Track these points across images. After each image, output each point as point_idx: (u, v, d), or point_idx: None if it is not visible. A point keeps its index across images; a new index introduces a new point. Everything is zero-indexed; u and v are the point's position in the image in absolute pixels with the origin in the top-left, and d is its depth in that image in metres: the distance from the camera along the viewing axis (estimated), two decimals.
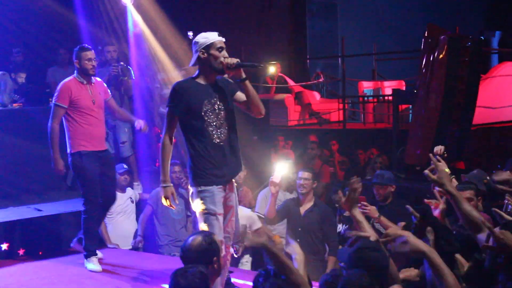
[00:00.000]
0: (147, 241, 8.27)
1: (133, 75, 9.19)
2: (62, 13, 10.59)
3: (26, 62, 10.28)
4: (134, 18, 10.71)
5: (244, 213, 7.34)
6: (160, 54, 10.51)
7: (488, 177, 5.66)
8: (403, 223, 4.10)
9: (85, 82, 6.43)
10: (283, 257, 3.56)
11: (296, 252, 3.92)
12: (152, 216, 8.27)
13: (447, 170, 5.52)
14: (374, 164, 9.22)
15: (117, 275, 6.40)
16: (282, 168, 6.56)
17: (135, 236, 8.15)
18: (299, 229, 6.93)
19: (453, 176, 5.63)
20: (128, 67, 9.18)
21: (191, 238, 3.90)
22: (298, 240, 6.66)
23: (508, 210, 4.39)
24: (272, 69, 14.82)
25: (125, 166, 8.45)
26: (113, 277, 6.31)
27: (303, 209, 7.01)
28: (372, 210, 5.94)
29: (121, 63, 9.05)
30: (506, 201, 4.49)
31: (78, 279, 6.34)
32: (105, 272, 6.45)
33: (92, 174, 6.40)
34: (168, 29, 10.78)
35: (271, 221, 7.08)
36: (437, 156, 5.66)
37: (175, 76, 10.23)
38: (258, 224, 7.42)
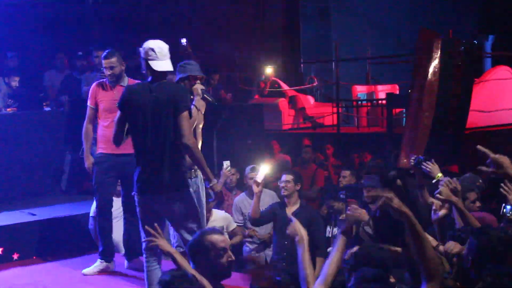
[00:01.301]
0: None
1: None
2: (59, 18, 10.62)
3: (21, 66, 10.27)
4: None
5: (219, 215, 7.43)
6: None
7: (480, 180, 5.69)
8: None
9: (110, 86, 6.45)
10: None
11: (298, 234, 3.92)
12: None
13: (439, 174, 5.58)
14: (368, 168, 9.22)
15: (113, 279, 6.40)
16: (264, 169, 6.62)
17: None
18: (287, 231, 6.91)
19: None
20: None
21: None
22: (286, 242, 6.73)
23: (505, 211, 4.43)
24: (269, 70, 14.86)
25: None
26: (109, 282, 6.31)
27: (289, 211, 7.01)
28: (362, 213, 5.95)
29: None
30: (504, 204, 4.52)
31: (72, 283, 6.35)
32: (101, 276, 6.45)
33: (98, 177, 6.42)
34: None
35: (255, 221, 7.09)
36: (427, 162, 5.74)
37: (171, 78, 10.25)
38: (233, 225, 7.51)
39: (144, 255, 5.34)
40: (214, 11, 15.03)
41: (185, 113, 5.02)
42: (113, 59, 6.38)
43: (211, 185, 5.38)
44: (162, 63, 5.10)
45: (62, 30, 10.69)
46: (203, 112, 5.84)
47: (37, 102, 9.37)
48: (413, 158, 5.93)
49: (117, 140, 5.22)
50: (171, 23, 10.96)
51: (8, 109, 8.80)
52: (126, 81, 6.42)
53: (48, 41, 10.39)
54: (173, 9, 13.03)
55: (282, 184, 7.06)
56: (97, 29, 11.70)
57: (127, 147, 5.64)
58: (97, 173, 6.44)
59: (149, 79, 5.14)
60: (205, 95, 5.78)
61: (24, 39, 10.51)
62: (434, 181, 5.51)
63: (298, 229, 3.93)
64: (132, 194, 5.25)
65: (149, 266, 5.32)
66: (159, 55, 5.09)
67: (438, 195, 4.83)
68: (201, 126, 5.88)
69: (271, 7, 16.74)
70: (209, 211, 6.94)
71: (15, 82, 9.69)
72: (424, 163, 5.76)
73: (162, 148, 5.05)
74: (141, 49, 5.21)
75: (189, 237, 4.86)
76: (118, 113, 5.17)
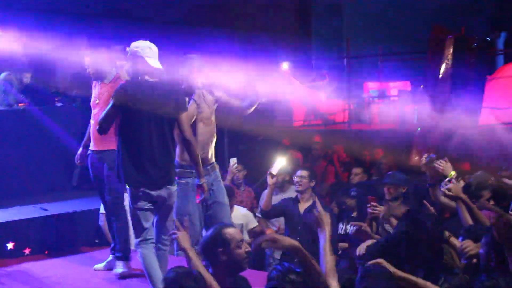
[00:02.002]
0: None
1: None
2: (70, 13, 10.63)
3: (32, 62, 10.29)
4: None
5: (240, 212, 7.43)
6: None
7: (492, 178, 5.67)
8: None
9: (97, 81, 6.38)
10: (309, 257, 3.59)
11: (321, 223, 3.93)
12: None
13: (452, 172, 5.56)
14: (380, 165, 9.21)
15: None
16: (280, 161, 6.62)
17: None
18: (299, 227, 6.92)
19: (461, 178, 5.66)
20: None
21: (208, 231, 4.14)
22: (298, 238, 6.70)
23: None
24: (285, 66, 14.85)
25: None
26: (118, 275, 6.32)
27: (302, 208, 7.02)
28: (382, 210, 5.95)
29: None
30: None
31: (84, 277, 6.36)
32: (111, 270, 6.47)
33: (92, 174, 6.42)
34: None
35: (265, 213, 7.10)
36: (440, 160, 5.71)
37: None
38: (254, 223, 7.49)
39: (138, 245, 5.38)
40: (226, 7, 15.01)
41: (185, 114, 5.34)
42: (87, 58, 6.36)
43: (200, 183, 5.46)
44: (157, 61, 5.30)
45: (73, 24, 10.68)
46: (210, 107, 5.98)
47: (49, 98, 9.39)
48: (425, 156, 5.91)
49: (104, 131, 5.33)
50: (179, 22, 10.94)
51: (19, 105, 8.83)
52: (111, 78, 6.27)
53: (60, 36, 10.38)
54: (183, 8, 13.00)
55: (297, 179, 7.08)
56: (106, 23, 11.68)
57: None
58: (91, 170, 6.41)
59: (140, 76, 5.28)
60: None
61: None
62: (447, 179, 5.49)
63: (322, 218, 3.91)
64: (123, 184, 5.41)
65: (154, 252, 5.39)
66: (154, 54, 5.30)
67: (447, 192, 4.82)
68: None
69: (283, 3, 16.70)
70: (231, 207, 6.91)
71: (27, 78, 9.71)
72: (437, 162, 5.73)
73: (163, 143, 5.27)
74: (134, 47, 5.31)
75: (165, 233, 5.36)
76: (111, 105, 5.22)
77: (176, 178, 5.66)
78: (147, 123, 5.20)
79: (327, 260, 3.69)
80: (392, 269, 3.43)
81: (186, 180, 5.90)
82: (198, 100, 5.87)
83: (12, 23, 9.15)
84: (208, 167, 5.98)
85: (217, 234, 3.96)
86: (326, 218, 3.90)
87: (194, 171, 5.61)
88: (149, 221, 5.36)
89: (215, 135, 6.12)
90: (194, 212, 5.97)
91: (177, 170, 5.76)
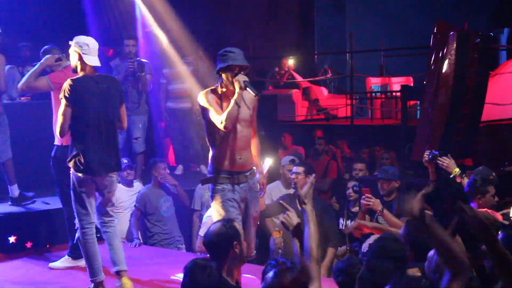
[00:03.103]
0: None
1: (150, 69, 9.18)
2: (71, 7, 10.60)
3: (34, 56, 10.28)
4: (142, 12, 10.71)
5: None
6: (167, 48, 10.48)
7: (494, 174, 5.64)
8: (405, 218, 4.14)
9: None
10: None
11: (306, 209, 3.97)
12: (142, 218, 8.27)
13: (456, 169, 5.53)
14: (382, 160, 9.21)
15: (134, 265, 6.42)
16: (268, 162, 6.59)
17: (131, 240, 8.05)
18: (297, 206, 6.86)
19: (464, 174, 5.64)
20: (145, 61, 9.13)
21: (212, 225, 4.09)
22: None
23: None
24: (291, 61, 14.85)
25: (125, 161, 8.24)
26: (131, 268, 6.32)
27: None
28: (376, 203, 5.95)
29: (138, 58, 9.01)
30: None
31: (85, 272, 6.36)
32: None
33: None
34: (175, 23, 10.77)
35: (264, 213, 7.02)
36: (444, 157, 5.68)
37: (183, 70, 10.24)
38: None
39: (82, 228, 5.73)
40: (229, 2, 15.00)
41: (123, 104, 5.83)
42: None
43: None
44: (94, 58, 5.65)
45: (73, 19, 10.66)
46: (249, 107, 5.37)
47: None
48: (427, 153, 5.87)
49: (65, 131, 5.64)
50: (184, 15, 10.89)
51: (22, 98, 8.82)
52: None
53: (60, 31, 10.37)
54: (188, 1, 12.97)
55: (293, 176, 7.07)
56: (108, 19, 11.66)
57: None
58: None
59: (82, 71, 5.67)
60: (247, 88, 5.18)
61: (36, 29, 10.50)
62: (451, 176, 5.47)
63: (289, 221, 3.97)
64: (71, 172, 5.68)
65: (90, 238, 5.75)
66: (92, 51, 5.64)
67: None
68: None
69: None
70: None
71: (28, 72, 9.70)
72: (440, 158, 5.70)
73: (111, 133, 5.72)
74: (73, 42, 5.70)
75: (109, 216, 5.87)
76: (63, 105, 5.55)
77: (210, 185, 5.36)
78: (93, 116, 5.59)
79: (312, 241, 3.71)
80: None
81: (222, 186, 5.29)
82: (237, 99, 5.18)
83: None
84: (247, 174, 5.40)
85: (231, 227, 4.00)
86: (295, 219, 3.96)
87: (230, 176, 5.27)
88: (92, 206, 5.76)
89: (256, 136, 5.60)
90: (236, 217, 5.28)
91: (212, 175, 5.34)
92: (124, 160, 8.34)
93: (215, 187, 5.32)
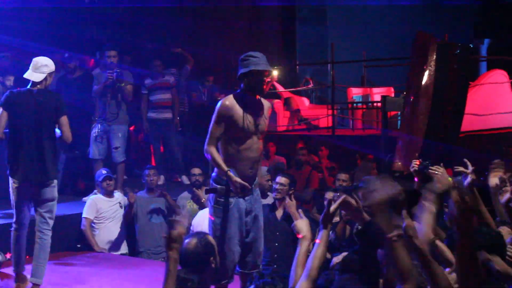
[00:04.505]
0: None
1: (131, 79, 9.18)
2: (55, 17, 10.56)
3: (15, 66, 10.21)
4: None
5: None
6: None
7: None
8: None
9: None
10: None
11: (303, 232, 3.71)
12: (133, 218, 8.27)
13: (450, 179, 5.49)
14: (368, 170, 9.22)
15: (115, 278, 6.40)
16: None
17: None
18: (277, 233, 6.84)
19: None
20: (127, 72, 9.15)
21: (186, 241, 3.91)
22: (276, 244, 6.66)
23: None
24: (275, 72, 14.85)
25: (104, 171, 8.29)
26: (113, 279, 6.30)
27: (279, 214, 6.94)
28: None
29: (117, 70, 8.96)
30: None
31: (65, 282, 6.33)
32: (105, 274, 6.47)
33: None
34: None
35: None
36: (436, 166, 5.65)
37: (169, 80, 10.29)
38: None
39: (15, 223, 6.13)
40: (209, 13, 15.00)
41: (65, 117, 6.08)
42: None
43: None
44: (31, 73, 6.11)
45: (56, 30, 10.61)
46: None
47: None
48: (416, 162, 5.75)
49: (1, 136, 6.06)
50: (167, 25, 10.91)
51: None
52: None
53: (42, 42, 10.32)
54: (169, 11, 12.97)
55: (277, 186, 6.95)
56: (92, 30, 11.65)
57: None
58: None
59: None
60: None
61: (17, 39, 10.44)
62: None
63: (302, 227, 3.74)
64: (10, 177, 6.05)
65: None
66: (33, 67, 6.13)
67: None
68: None
69: (267, 9, 16.73)
70: None
71: (9, 81, 9.64)
72: (433, 168, 5.61)
73: (44, 143, 6.02)
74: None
75: (45, 224, 6.12)
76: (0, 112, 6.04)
77: (211, 195, 5.24)
78: (27, 126, 6.00)
79: (299, 268, 3.57)
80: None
81: (228, 200, 5.13)
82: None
83: None
84: (253, 186, 5.25)
85: (207, 243, 3.93)
86: (305, 227, 3.74)
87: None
88: (25, 209, 6.11)
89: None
90: (235, 235, 5.21)
91: (218, 186, 5.16)
92: (103, 171, 8.32)
93: (219, 199, 5.16)
